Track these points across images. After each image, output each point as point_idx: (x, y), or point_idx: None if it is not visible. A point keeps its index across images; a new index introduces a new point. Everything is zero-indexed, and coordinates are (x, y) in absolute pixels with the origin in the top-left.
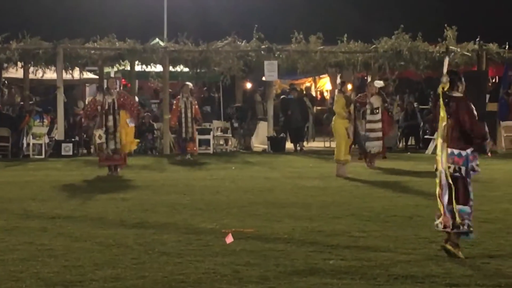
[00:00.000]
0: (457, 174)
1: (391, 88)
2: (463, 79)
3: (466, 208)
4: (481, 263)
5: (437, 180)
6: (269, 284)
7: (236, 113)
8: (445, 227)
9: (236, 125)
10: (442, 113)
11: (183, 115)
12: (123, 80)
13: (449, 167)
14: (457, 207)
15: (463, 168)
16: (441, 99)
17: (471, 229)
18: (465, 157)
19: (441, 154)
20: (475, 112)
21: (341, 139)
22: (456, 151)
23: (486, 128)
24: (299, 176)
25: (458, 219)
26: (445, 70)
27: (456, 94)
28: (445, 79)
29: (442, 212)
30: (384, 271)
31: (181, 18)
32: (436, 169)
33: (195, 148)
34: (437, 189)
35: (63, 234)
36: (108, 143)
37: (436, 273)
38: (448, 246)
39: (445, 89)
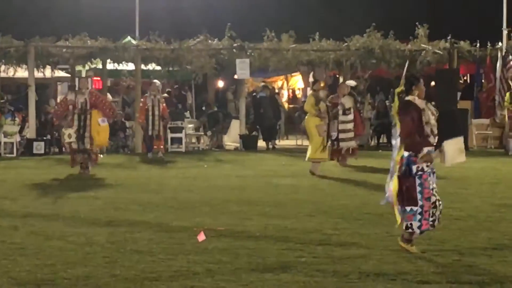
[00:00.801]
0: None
1: (363, 87)
2: (421, 84)
3: (407, 209)
4: (453, 260)
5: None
6: (241, 282)
7: (208, 120)
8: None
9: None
10: (395, 114)
11: (150, 113)
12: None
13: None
14: (399, 207)
15: (403, 169)
16: (395, 101)
17: (417, 229)
18: (406, 158)
19: (396, 154)
20: (419, 120)
21: (314, 137)
22: (402, 152)
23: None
24: (271, 174)
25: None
26: (404, 73)
27: (409, 97)
28: (401, 82)
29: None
30: (356, 268)
31: (152, 17)
32: None
33: (161, 146)
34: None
35: (35, 233)
36: (78, 143)
37: (407, 270)
38: (400, 243)
39: (398, 91)
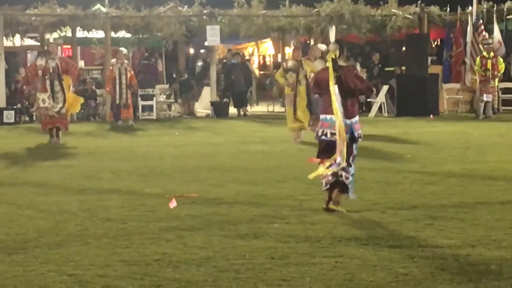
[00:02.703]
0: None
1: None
2: (345, 49)
3: (350, 169)
4: (424, 225)
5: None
6: (213, 249)
7: (180, 87)
8: (326, 184)
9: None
10: (332, 80)
11: (117, 81)
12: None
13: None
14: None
15: (347, 136)
16: (331, 66)
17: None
18: (349, 125)
19: (336, 119)
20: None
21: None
22: (344, 119)
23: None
24: (242, 140)
25: (344, 176)
26: (332, 38)
27: (341, 63)
28: (334, 46)
29: (326, 172)
30: (328, 233)
31: None
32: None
33: (127, 115)
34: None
35: (6, 202)
36: (54, 106)
37: (379, 234)
38: (332, 206)
39: (336, 56)
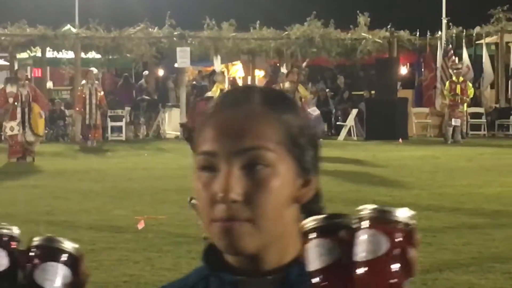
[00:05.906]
0: None
1: (303, 77)
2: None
3: None
4: None
5: None
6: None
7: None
8: None
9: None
10: None
11: (87, 102)
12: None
13: None
14: None
15: None
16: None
17: None
18: None
19: None
20: None
21: None
22: None
23: None
24: None
25: None
26: (218, 67)
27: None
28: (220, 77)
29: None
30: None
31: (92, 4)
32: None
33: (96, 135)
34: None
35: None
36: (25, 135)
37: None
38: None
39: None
